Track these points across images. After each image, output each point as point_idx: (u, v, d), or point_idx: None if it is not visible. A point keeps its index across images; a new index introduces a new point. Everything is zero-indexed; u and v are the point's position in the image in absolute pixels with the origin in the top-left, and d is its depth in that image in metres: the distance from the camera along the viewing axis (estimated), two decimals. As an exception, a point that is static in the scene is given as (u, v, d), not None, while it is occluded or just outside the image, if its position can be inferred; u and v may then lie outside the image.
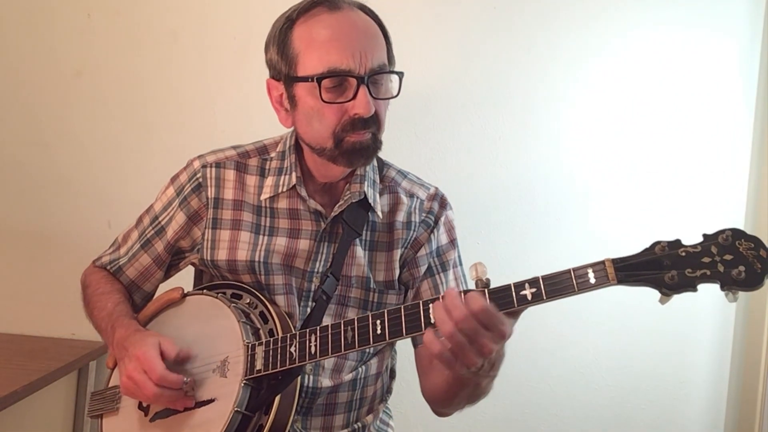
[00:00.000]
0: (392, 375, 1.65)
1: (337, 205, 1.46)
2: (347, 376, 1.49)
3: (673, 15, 2.14)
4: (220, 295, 1.44)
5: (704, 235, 1.02)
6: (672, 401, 2.19)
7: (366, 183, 1.48)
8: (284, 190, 1.47)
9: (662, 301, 1.03)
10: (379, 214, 1.50)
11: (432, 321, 1.15)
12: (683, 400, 2.19)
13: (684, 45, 2.14)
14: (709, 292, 1.09)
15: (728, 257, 1.00)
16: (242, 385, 1.30)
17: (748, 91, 2.15)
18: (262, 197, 1.48)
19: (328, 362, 1.47)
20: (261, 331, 1.38)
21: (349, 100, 1.33)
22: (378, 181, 1.53)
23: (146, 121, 2.25)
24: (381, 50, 1.37)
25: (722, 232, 1.01)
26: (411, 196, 1.54)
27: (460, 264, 1.56)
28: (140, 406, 1.42)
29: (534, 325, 1.99)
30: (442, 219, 1.55)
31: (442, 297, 1.14)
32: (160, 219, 1.55)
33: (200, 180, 1.50)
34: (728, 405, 2.19)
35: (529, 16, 2.17)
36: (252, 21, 2.17)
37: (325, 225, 1.47)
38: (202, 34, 2.23)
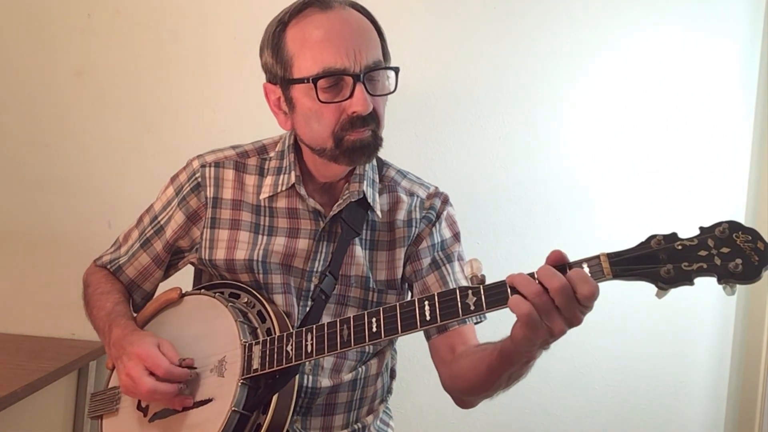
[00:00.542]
0: (392, 375, 1.65)
1: (336, 205, 1.46)
2: (347, 376, 1.48)
3: (673, 15, 2.14)
4: (218, 294, 1.44)
5: (701, 228, 1.01)
6: (672, 401, 2.19)
7: (365, 182, 1.48)
8: (283, 189, 1.47)
9: (659, 296, 1.02)
10: (379, 213, 1.49)
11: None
12: (683, 400, 2.19)
13: (684, 45, 2.14)
14: (709, 291, 1.08)
15: (725, 250, 0.99)
16: (239, 384, 1.30)
17: (748, 91, 2.15)
18: (261, 197, 1.48)
19: (328, 362, 1.46)
20: (258, 331, 1.37)
21: (346, 99, 1.32)
22: (377, 180, 1.53)
23: (146, 121, 2.25)
24: (375, 47, 1.36)
25: (719, 224, 1.00)
26: (411, 194, 1.54)
27: (465, 258, 1.56)
28: (139, 407, 1.42)
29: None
30: (444, 214, 1.55)
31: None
32: (159, 218, 1.55)
33: (199, 180, 1.50)
34: (728, 405, 2.19)
35: (529, 16, 2.17)
36: (252, 21, 2.16)
37: (324, 224, 1.46)
38: (202, 34, 2.23)
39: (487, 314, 1.18)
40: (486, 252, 2.14)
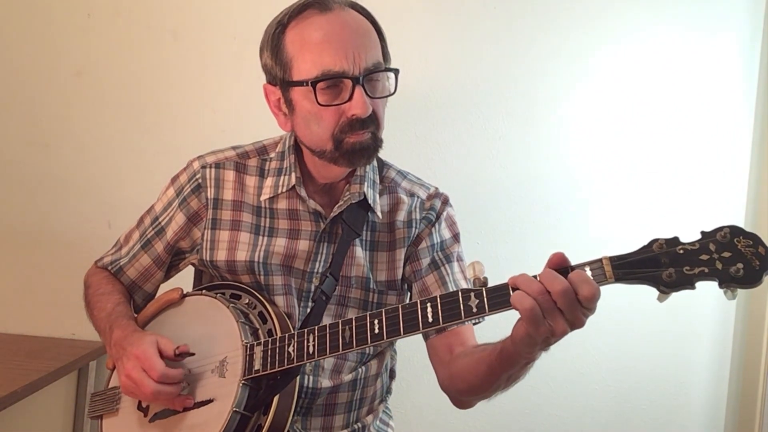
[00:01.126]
0: (392, 375, 1.65)
1: (337, 206, 1.46)
2: (347, 377, 1.48)
3: (674, 15, 2.14)
4: (219, 295, 1.44)
5: (702, 233, 1.02)
6: (672, 401, 2.19)
7: (366, 183, 1.48)
8: (284, 190, 1.47)
9: (660, 299, 1.02)
10: (379, 214, 1.49)
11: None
12: (683, 400, 2.19)
13: (684, 45, 2.14)
14: (709, 292, 1.09)
15: (726, 254, 0.99)
16: (241, 385, 1.30)
17: (748, 91, 2.15)
18: (262, 198, 1.48)
19: (328, 363, 1.47)
20: (260, 332, 1.38)
21: (346, 102, 1.32)
22: (378, 181, 1.53)
23: (146, 120, 2.25)
24: (375, 48, 1.36)
25: (720, 229, 1.00)
26: (411, 195, 1.54)
27: (464, 260, 1.56)
28: (140, 407, 1.42)
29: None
30: (444, 215, 1.55)
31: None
32: (160, 219, 1.55)
33: (200, 181, 1.50)
34: (728, 405, 2.19)
35: (529, 16, 2.17)
36: (252, 21, 2.15)
37: (325, 225, 1.46)
38: (202, 34, 2.23)
39: (487, 317, 1.18)
40: (486, 252, 2.15)
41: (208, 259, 1.49)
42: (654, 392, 2.19)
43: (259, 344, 1.33)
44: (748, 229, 1.00)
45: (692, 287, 1.01)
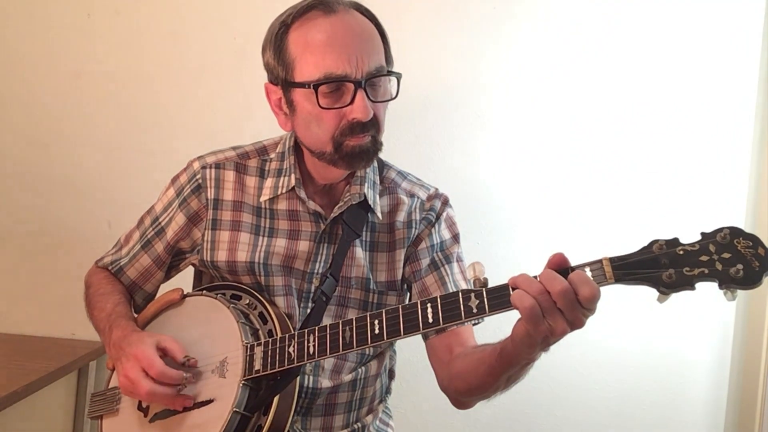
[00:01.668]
0: (391, 375, 1.65)
1: (337, 207, 1.46)
2: (347, 377, 1.49)
3: (674, 15, 2.14)
4: (219, 296, 1.44)
5: (702, 234, 1.02)
6: (672, 401, 2.19)
7: (366, 184, 1.48)
8: (283, 191, 1.47)
9: (660, 300, 1.02)
10: (379, 215, 1.50)
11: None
12: (683, 400, 2.19)
13: (684, 45, 2.14)
14: (709, 291, 1.09)
15: (726, 255, 0.99)
16: (241, 385, 1.30)
17: (748, 91, 2.15)
18: (262, 199, 1.48)
19: (328, 363, 1.47)
20: (260, 332, 1.38)
21: (347, 105, 1.32)
22: (378, 182, 1.53)
23: (146, 121, 2.25)
24: (378, 52, 1.36)
25: (720, 230, 1.01)
26: (411, 196, 1.54)
27: (464, 260, 1.56)
28: (140, 407, 1.42)
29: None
30: (443, 215, 1.55)
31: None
32: (160, 220, 1.55)
33: (200, 181, 1.50)
34: (728, 405, 2.19)
35: (527, 17, 2.16)
36: (252, 21, 2.16)
37: (325, 226, 1.47)
38: (202, 34, 2.23)
39: (487, 317, 1.18)
40: (486, 253, 2.14)
41: (208, 259, 1.49)
42: (654, 392, 2.19)
43: (259, 344, 1.33)
44: (747, 230, 1.00)
45: (692, 288, 1.01)
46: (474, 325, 1.48)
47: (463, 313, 1.14)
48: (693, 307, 2.12)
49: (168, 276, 1.60)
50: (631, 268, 1.04)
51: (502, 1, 2.17)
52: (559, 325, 1.04)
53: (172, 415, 1.36)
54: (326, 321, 1.39)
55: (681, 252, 1.02)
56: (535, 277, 1.06)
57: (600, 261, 1.06)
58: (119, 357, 1.36)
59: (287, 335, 1.32)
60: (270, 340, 1.33)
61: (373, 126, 1.35)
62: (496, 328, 1.33)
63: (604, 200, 2.17)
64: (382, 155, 1.44)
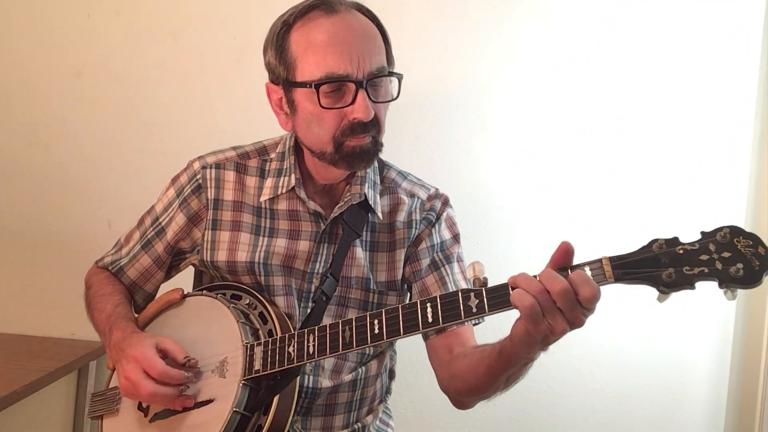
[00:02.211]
0: (392, 375, 1.65)
1: (337, 207, 1.46)
2: (347, 377, 1.49)
3: (674, 15, 2.14)
4: (219, 295, 1.44)
5: (702, 233, 1.02)
6: (672, 401, 2.19)
7: (366, 184, 1.48)
8: (283, 191, 1.47)
9: (660, 300, 1.02)
10: (380, 215, 1.50)
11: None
12: (683, 400, 2.19)
13: (684, 45, 2.14)
14: (709, 291, 1.08)
15: (726, 255, 0.99)
16: (241, 385, 1.31)
17: (748, 91, 2.15)
18: (262, 198, 1.48)
19: (328, 363, 1.47)
20: (260, 332, 1.38)
21: (348, 105, 1.32)
22: (378, 182, 1.53)
23: (146, 121, 2.25)
24: (379, 53, 1.36)
25: (720, 229, 1.00)
26: (412, 196, 1.54)
27: (464, 260, 1.56)
28: (140, 407, 1.42)
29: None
30: (444, 215, 1.55)
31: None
32: (160, 220, 1.55)
33: (200, 181, 1.50)
34: (728, 405, 2.19)
35: (529, 16, 2.16)
36: (252, 21, 2.17)
37: (325, 226, 1.47)
38: (202, 34, 2.23)
39: (487, 317, 1.18)
40: (485, 253, 2.14)
41: (208, 259, 1.49)
42: (654, 392, 2.19)
43: (259, 344, 1.33)
44: (747, 230, 1.00)
45: (692, 287, 1.01)
46: (474, 325, 1.48)
47: (462, 312, 1.14)
48: (693, 306, 2.12)
49: (168, 276, 1.60)
50: (630, 268, 1.03)
51: (503, 1, 2.17)
52: (558, 324, 1.04)
53: (172, 415, 1.36)
54: (326, 321, 1.39)
55: (681, 251, 1.02)
56: (535, 276, 1.06)
57: (600, 260, 1.05)
58: (119, 359, 1.37)
59: (287, 335, 1.32)
60: (270, 340, 1.33)
61: (373, 126, 1.35)
62: (495, 327, 1.33)
63: (604, 200, 2.16)
64: (382, 155, 1.44)
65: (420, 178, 1.61)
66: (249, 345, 1.34)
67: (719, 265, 0.99)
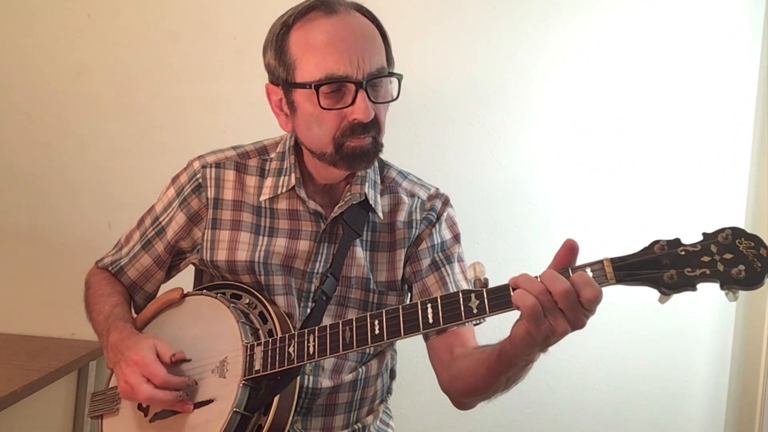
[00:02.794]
0: (392, 375, 1.65)
1: (338, 206, 1.46)
2: (347, 377, 1.49)
3: (674, 14, 2.14)
4: (219, 295, 1.44)
5: (704, 234, 1.01)
6: (672, 401, 2.19)
7: (367, 184, 1.48)
8: (283, 191, 1.47)
9: (661, 301, 1.02)
10: (380, 214, 1.49)
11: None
12: (683, 400, 2.19)
13: (684, 45, 2.14)
14: (709, 292, 1.09)
15: (728, 256, 0.99)
16: (241, 385, 1.30)
17: (748, 91, 2.15)
18: (262, 198, 1.48)
19: (328, 363, 1.47)
20: (260, 332, 1.38)
21: (348, 106, 1.32)
22: (379, 181, 1.53)
23: (146, 121, 2.25)
24: (379, 53, 1.36)
25: (722, 231, 1.00)
26: (412, 196, 1.54)
27: (465, 260, 1.56)
28: (140, 407, 1.42)
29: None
30: (444, 215, 1.54)
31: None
32: (160, 219, 1.55)
33: (200, 180, 1.50)
34: (728, 405, 2.19)
35: (528, 16, 2.16)
36: (252, 21, 2.17)
37: (325, 226, 1.46)
38: (202, 34, 2.23)
39: (488, 317, 1.18)
40: (486, 252, 2.14)
41: (208, 259, 1.49)
42: (654, 392, 2.19)
43: (259, 344, 1.33)
44: (748, 230, 1.00)
45: (694, 289, 1.01)
46: (475, 325, 1.48)
47: (463, 313, 1.14)
48: (693, 307, 2.12)
49: (168, 276, 1.60)
50: (632, 269, 1.03)
51: (502, 1, 2.17)
52: (560, 325, 1.04)
53: (172, 415, 1.36)
54: (326, 321, 1.39)
55: (682, 252, 1.01)
56: (536, 277, 1.06)
57: (601, 261, 1.05)
58: (118, 361, 1.36)
59: (287, 335, 1.32)
60: (270, 339, 1.33)
61: (373, 127, 1.35)
62: (496, 328, 1.33)
63: (604, 200, 2.17)
64: (382, 155, 1.44)
65: (420, 177, 1.60)
66: (249, 345, 1.34)
67: (721, 267, 0.99)
